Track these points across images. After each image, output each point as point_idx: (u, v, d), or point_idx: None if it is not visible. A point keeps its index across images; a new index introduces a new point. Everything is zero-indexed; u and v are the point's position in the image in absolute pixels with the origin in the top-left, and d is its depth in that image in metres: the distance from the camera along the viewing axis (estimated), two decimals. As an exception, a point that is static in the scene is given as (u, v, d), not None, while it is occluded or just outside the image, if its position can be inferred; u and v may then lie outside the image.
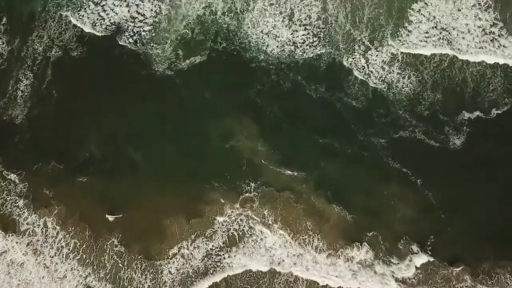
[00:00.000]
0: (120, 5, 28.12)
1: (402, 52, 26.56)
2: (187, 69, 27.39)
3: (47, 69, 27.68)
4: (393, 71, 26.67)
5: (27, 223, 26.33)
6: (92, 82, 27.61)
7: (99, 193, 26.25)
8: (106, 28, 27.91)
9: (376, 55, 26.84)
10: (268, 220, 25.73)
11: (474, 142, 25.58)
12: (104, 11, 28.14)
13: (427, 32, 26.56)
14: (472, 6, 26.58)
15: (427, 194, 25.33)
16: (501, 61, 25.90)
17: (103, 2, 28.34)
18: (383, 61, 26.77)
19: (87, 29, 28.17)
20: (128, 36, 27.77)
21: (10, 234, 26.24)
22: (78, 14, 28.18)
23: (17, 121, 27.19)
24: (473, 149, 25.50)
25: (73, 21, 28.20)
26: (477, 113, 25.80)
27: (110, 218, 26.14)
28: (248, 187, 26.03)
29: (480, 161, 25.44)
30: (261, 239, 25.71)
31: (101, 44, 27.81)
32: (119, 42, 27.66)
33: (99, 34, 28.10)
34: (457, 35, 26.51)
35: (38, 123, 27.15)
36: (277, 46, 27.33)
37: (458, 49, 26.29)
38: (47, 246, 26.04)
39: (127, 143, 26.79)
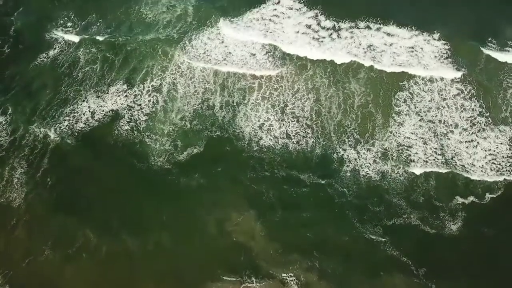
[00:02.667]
0: (118, 95, 29.33)
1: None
2: (184, 160, 27.89)
3: (45, 156, 27.98)
4: (386, 163, 27.13)
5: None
6: (88, 170, 27.79)
7: (92, 282, 25.13)
8: (105, 114, 28.79)
9: (367, 150, 27.45)
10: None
11: (470, 228, 25.37)
12: (103, 100, 29.32)
13: (414, 125, 27.45)
14: (456, 95, 27.84)
15: (430, 284, 24.46)
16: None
17: (104, 95, 29.75)
18: (375, 155, 27.34)
19: (69, 140, 28.86)
20: (125, 123, 28.57)
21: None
22: (82, 104, 29.33)
23: (14, 204, 26.80)
24: (470, 235, 25.20)
25: (52, 135, 28.96)
26: (471, 198, 25.95)
27: None
28: (250, 279, 25.15)
29: (478, 247, 24.96)
30: None
31: (99, 131, 28.52)
32: (117, 128, 28.35)
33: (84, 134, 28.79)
34: (445, 129, 27.42)
35: (34, 209, 26.70)
36: (270, 139, 28.08)
37: (447, 145, 26.98)
38: None
39: (122, 231, 26.19)
